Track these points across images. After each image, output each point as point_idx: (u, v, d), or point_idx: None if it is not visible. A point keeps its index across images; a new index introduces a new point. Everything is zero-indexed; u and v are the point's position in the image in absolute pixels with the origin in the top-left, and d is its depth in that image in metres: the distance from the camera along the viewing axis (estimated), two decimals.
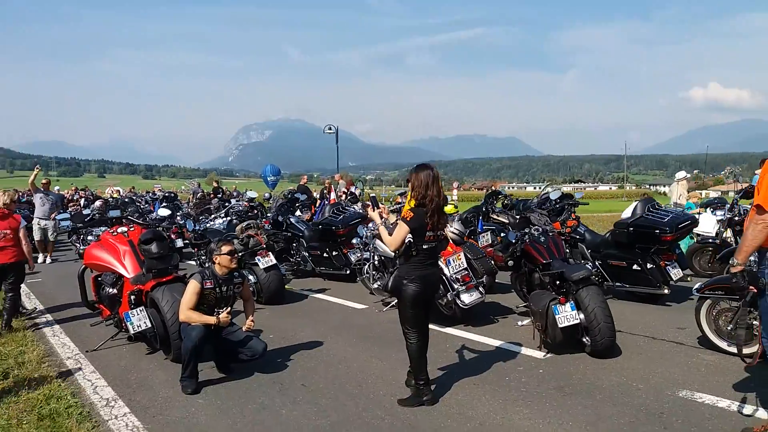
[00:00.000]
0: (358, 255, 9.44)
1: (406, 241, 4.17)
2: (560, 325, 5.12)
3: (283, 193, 22.99)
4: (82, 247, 12.36)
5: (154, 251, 5.57)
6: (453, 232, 6.76)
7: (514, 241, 6.36)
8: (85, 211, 13.01)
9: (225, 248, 5.05)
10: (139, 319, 5.56)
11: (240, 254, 8.02)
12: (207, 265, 8.41)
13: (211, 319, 4.90)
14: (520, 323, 6.41)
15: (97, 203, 17.58)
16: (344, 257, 9.46)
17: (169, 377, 5.15)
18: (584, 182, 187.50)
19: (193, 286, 4.92)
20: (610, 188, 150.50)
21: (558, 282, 5.71)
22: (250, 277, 8.00)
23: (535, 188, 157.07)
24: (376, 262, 7.81)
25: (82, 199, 19.10)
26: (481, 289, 6.44)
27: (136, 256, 6.24)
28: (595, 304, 5.08)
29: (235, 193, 25.79)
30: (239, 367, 5.25)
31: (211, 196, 21.76)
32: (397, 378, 4.91)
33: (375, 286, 7.87)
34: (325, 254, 9.56)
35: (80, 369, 5.50)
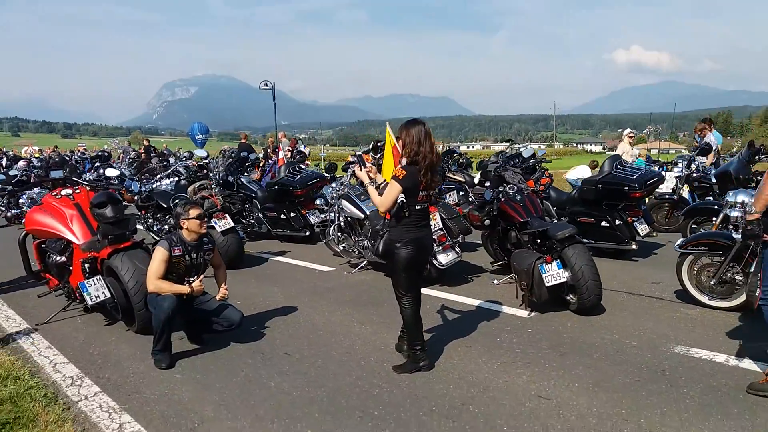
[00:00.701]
0: (317, 216, 9.13)
1: (399, 201, 3.89)
2: (547, 284, 5.05)
3: (223, 151, 22.10)
4: (10, 212, 11.42)
5: (108, 215, 5.05)
6: None
7: (489, 199, 6.21)
8: (12, 172, 11.93)
9: (193, 212, 4.62)
10: (96, 290, 5.08)
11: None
12: (170, 229, 7.93)
13: (184, 289, 4.50)
14: (495, 281, 6.33)
15: (21, 163, 16.22)
16: (302, 218, 9.11)
17: (136, 351, 4.74)
18: (515, 142, 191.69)
19: (160, 254, 4.49)
20: (540, 147, 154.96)
21: (539, 240, 5.63)
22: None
23: (468, 147, 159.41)
24: (341, 224, 7.52)
25: (3, 159, 17.58)
26: (456, 248, 6.31)
27: (85, 221, 5.68)
28: (582, 262, 5.02)
29: (166, 152, 24.58)
30: (212, 338, 4.90)
31: (143, 156, 20.63)
32: (385, 343, 4.72)
33: (340, 248, 7.60)
34: (282, 215, 9.16)
35: (33, 345, 4.99)
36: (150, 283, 4.45)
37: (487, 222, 6.20)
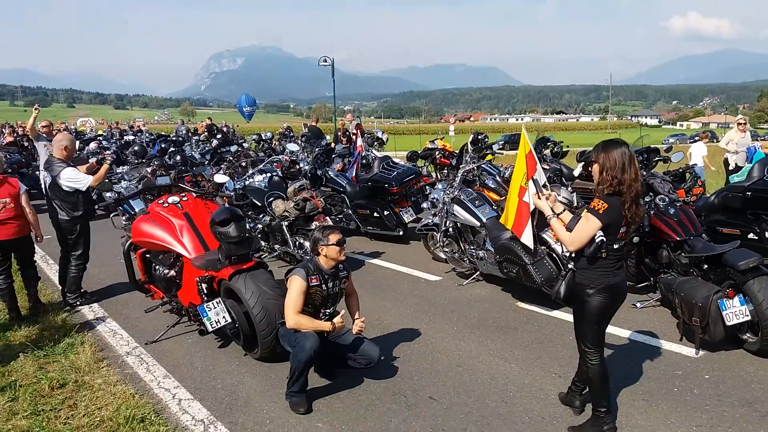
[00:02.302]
0: (411, 214, 8.63)
1: (597, 240, 3.27)
2: (728, 323, 4.37)
3: (285, 131, 21.58)
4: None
5: (233, 234, 4.58)
6: (561, 201, 5.88)
7: None
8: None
9: (333, 237, 4.11)
10: (216, 314, 4.66)
11: (294, 219, 7.12)
12: (265, 228, 7.52)
13: (326, 326, 4.03)
14: (639, 305, 5.67)
15: (93, 145, 16.12)
16: (396, 216, 8.58)
17: (264, 386, 4.33)
18: (566, 113, 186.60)
19: (298, 285, 4.01)
20: (592, 119, 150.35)
21: (706, 266, 4.93)
22: (307, 244, 7.10)
23: (517, 120, 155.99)
24: (450, 230, 6.94)
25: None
26: None
27: (195, 232, 5.29)
28: None
29: (225, 128, 24.23)
30: (341, 371, 4.43)
31: (207, 135, 20.25)
32: (542, 389, 4.16)
33: (448, 256, 7.05)
34: (375, 213, 8.64)
35: (150, 372, 4.64)
36: (289, 318, 3.99)
37: (636, 239, 5.50)
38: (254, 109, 36.65)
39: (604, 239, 3.26)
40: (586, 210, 3.32)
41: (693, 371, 4.38)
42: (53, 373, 4.57)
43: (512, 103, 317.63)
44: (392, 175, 8.50)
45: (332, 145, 15.05)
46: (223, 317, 4.68)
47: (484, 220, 6.40)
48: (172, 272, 5.39)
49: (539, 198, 3.62)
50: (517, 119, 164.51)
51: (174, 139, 16.83)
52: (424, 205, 7.43)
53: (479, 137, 8.90)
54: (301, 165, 9.14)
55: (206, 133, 20.51)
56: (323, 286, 4.13)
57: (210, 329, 4.65)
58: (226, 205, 5.42)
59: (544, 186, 4.95)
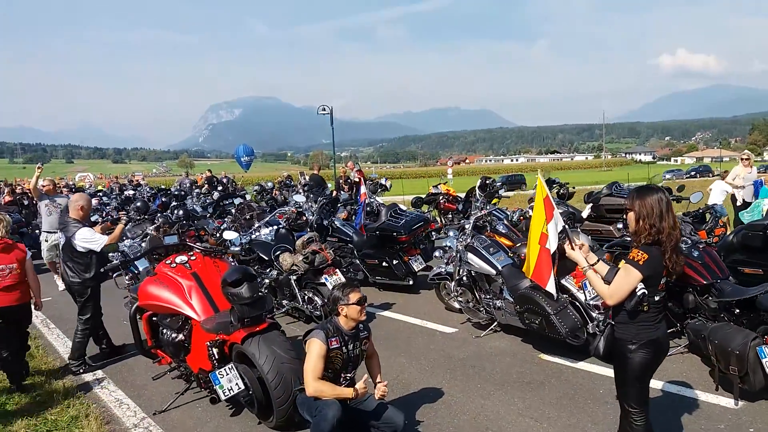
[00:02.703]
0: (420, 262, 8.46)
1: (639, 293, 3.09)
2: None
3: (283, 181, 21.55)
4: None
5: (245, 295, 4.38)
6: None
7: None
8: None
9: (354, 296, 3.93)
10: (229, 381, 4.43)
11: (303, 273, 6.94)
12: (272, 284, 7.31)
13: (348, 392, 3.80)
14: None
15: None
16: (405, 265, 8.39)
17: None
18: (560, 152, 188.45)
19: (317, 348, 3.80)
20: (587, 158, 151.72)
21: (737, 310, 4.74)
22: (317, 299, 6.90)
23: (512, 161, 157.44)
24: (464, 279, 6.74)
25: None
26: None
27: (204, 293, 5.08)
28: None
29: (225, 179, 24.17)
30: None
31: (207, 187, 20.19)
32: None
33: (463, 306, 6.84)
34: (384, 263, 8.45)
35: None
36: (309, 385, 3.76)
37: None
38: (252, 159, 36.88)
39: (646, 291, 3.09)
40: (624, 261, 3.15)
41: (736, 424, 4.13)
42: None
43: (506, 144, 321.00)
44: (400, 223, 8.35)
45: (335, 193, 14.98)
46: (236, 384, 4.44)
47: (500, 267, 6.22)
48: (181, 336, 5.16)
49: (572, 248, 3.45)
50: (511, 160, 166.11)
51: (176, 192, 16.72)
52: (437, 253, 7.24)
53: (488, 182, 8.79)
54: (307, 215, 8.99)
55: (207, 185, 20.47)
56: (344, 348, 3.93)
57: (223, 397, 4.40)
58: (238, 264, 5.23)
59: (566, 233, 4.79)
